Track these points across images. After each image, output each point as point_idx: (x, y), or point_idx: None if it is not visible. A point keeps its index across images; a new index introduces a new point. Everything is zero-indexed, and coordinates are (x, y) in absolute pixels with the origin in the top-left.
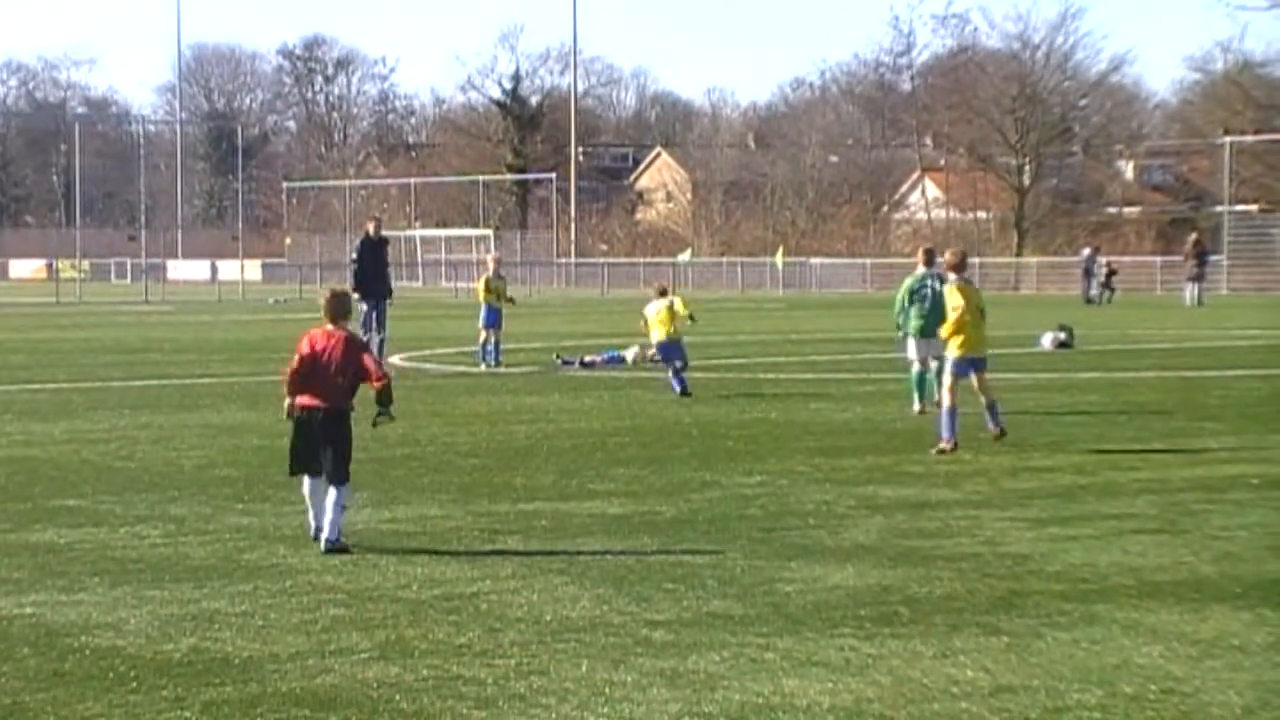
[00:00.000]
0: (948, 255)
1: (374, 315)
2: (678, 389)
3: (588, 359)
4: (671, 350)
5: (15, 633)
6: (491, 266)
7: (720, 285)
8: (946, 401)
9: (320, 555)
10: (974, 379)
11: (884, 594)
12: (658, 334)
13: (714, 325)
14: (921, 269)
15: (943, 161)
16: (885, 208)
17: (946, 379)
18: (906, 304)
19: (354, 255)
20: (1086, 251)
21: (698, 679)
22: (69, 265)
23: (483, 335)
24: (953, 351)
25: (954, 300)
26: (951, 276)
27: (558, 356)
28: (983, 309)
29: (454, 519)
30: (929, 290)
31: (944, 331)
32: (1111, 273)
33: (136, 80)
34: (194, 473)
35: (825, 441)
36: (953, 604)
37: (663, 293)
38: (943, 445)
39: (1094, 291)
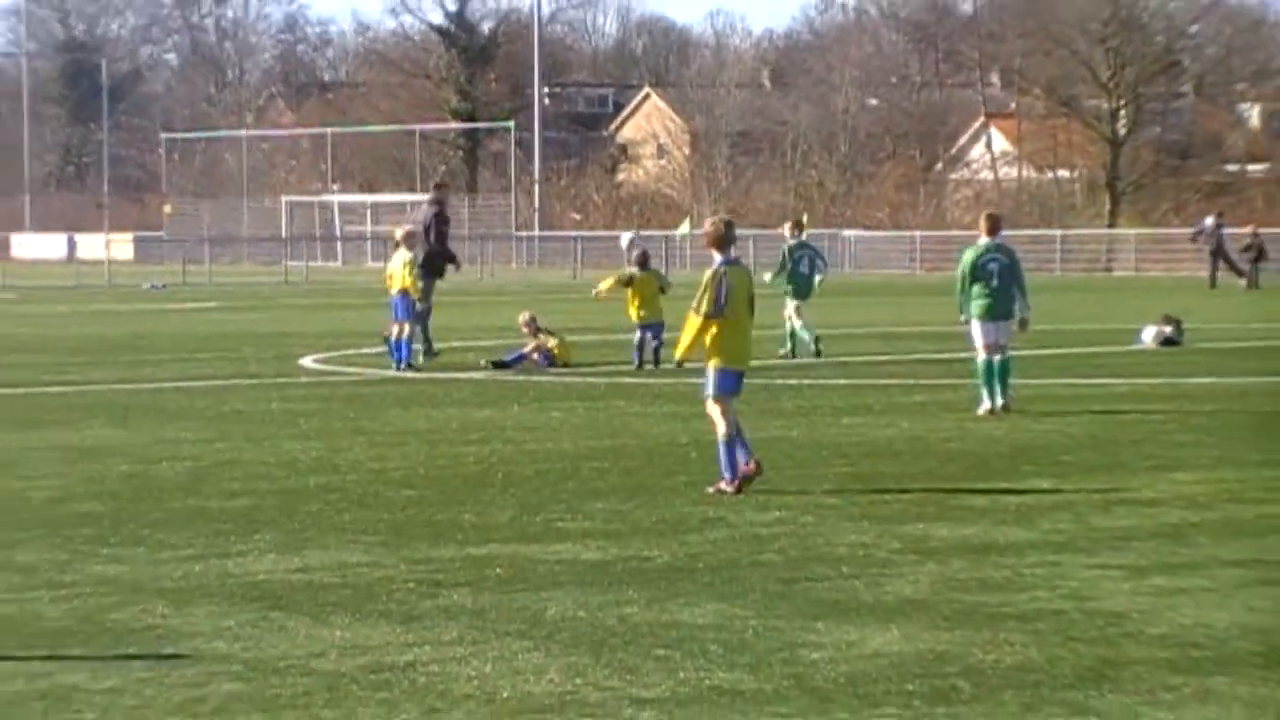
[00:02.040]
0: (707, 225)
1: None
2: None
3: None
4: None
5: None
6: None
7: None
8: (722, 429)
9: (211, 615)
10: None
11: (938, 664)
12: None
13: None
14: (985, 239)
15: (1014, 105)
16: (939, 165)
17: (712, 403)
18: (969, 282)
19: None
20: (1209, 222)
21: None
22: None
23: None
24: (714, 363)
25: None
26: (716, 258)
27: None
28: (752, 299)
29: (384, 567)
30: (996, 264)
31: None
32: (1261, 249)
33: None
34: (45, 508)
35: (862, 466)
36: (1027, 677)
37: (644, 264)
38: (722, 485)
39: (1240, 273)
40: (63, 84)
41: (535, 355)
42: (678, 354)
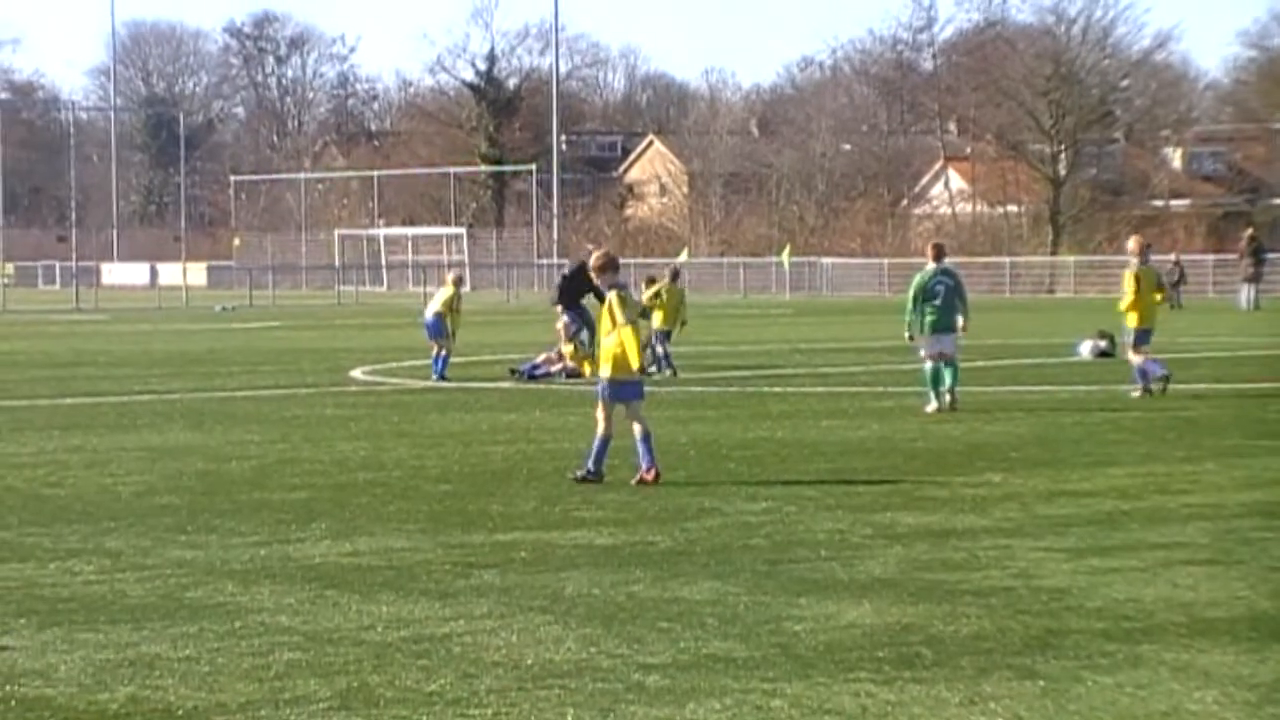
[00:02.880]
0: (595, 259)
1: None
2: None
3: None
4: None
5: None
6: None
7: (720, 288)
8: (601, 429)
9: (274, 593)
10: (624, 406)
11: (904, 633)
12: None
13: (713, 333)
14: (932, 265)
15: (969, 150)
16: (904, 201)
17: (601, 406)
18: (921, 303)
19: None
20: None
21: None
22: None
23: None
24: (605, 371)
25: (618, 312)
26: (616, 283)
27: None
28: (637, 317)
29: (423, 551)
30: (942, 287)
31: (603, 354)
32: (1181, 273)
33: (66, 62)
34: (131, 501)
35: (838, 463)
36: (981, 644)
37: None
38: (582, 472)
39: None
40: (146, 134)
41: (555, 368)
42: (635, 364)
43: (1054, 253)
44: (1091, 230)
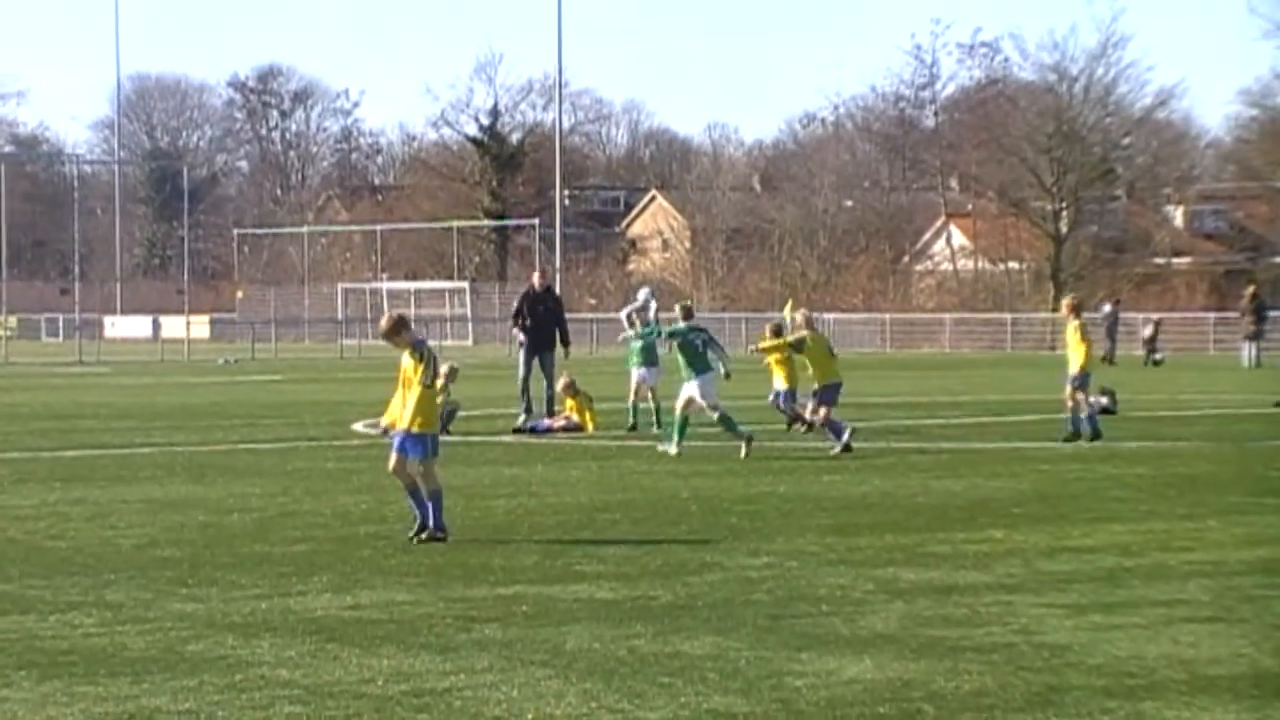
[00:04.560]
0: (384, 322)
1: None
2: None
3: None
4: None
5: None
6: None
7: (723, 343)
8: (402, 483)
9: (275, 646)
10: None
11: (905, 689)
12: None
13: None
14: (683, 323)
15: (970, 206)
16: (906, 258)
17: (433, 464)
18: (686, 351)
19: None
20: (1107, 308)
21: None
22: None
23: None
24: (434, 429)
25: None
26: (413, 340)
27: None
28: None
29: (424, 605)
30: (699, 339)
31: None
32: (1156, 332)
33: (69, 115)
34: (132, 553)
35: (840, 518)
36: (983, 701)
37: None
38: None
39: (1116, 351)
40: (149, 187)
41: (558, 424)
42: (415, 426)
43: (1055, 309)
44: (1093, 287)
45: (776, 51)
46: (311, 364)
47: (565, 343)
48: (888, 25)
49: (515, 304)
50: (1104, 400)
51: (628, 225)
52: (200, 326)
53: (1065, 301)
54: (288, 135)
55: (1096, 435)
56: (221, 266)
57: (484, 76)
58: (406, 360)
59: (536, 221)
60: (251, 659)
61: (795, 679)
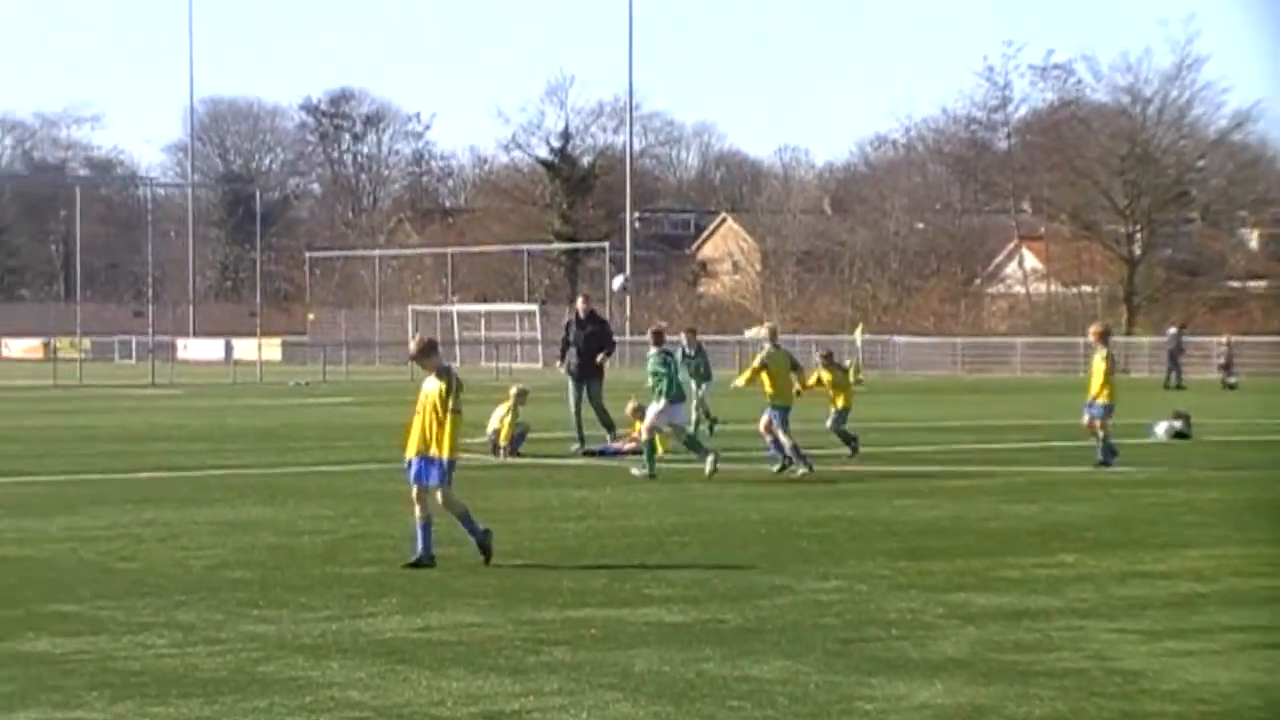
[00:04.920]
0: (414, 344)
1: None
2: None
3: (612, 447)
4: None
5: None
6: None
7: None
8: (419, 513)
9: (345, 668)
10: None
11: (977, 714)
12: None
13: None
14: (654, 350)
15: (1043, 229)
16: (978, 280)
17: (449, 489)
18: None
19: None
20: (1172, 331)
21: None
22: (68, 344)
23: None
24: (453, 453)
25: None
26: (440, 364)
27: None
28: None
29: (494, 626)
30: (672, 364)
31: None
32: (1230, 356)
33: (144, 139)
34: (204, 574)
35: (910, 542)
36: None
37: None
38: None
39: (1182, 376)
40: (222, 210)
41: (627, 447)
42: (447, 453)
43: (1129, 333)
44: (1167, 311)
45: (848, 74)
46: (382, 386)
47: (607, 354)
48: (960, 47)
49: (563, 333)
50: (1178, 424)
51: (698, 248)
52: (272, 349)
53: (1093, 329)
54: (359, 158)
55: (1105, 463)
56: (293, 289)
57: (555, 99)
58: (431, 385)
59: (607, 244)
60: (322, 680)
61: (865, 703)
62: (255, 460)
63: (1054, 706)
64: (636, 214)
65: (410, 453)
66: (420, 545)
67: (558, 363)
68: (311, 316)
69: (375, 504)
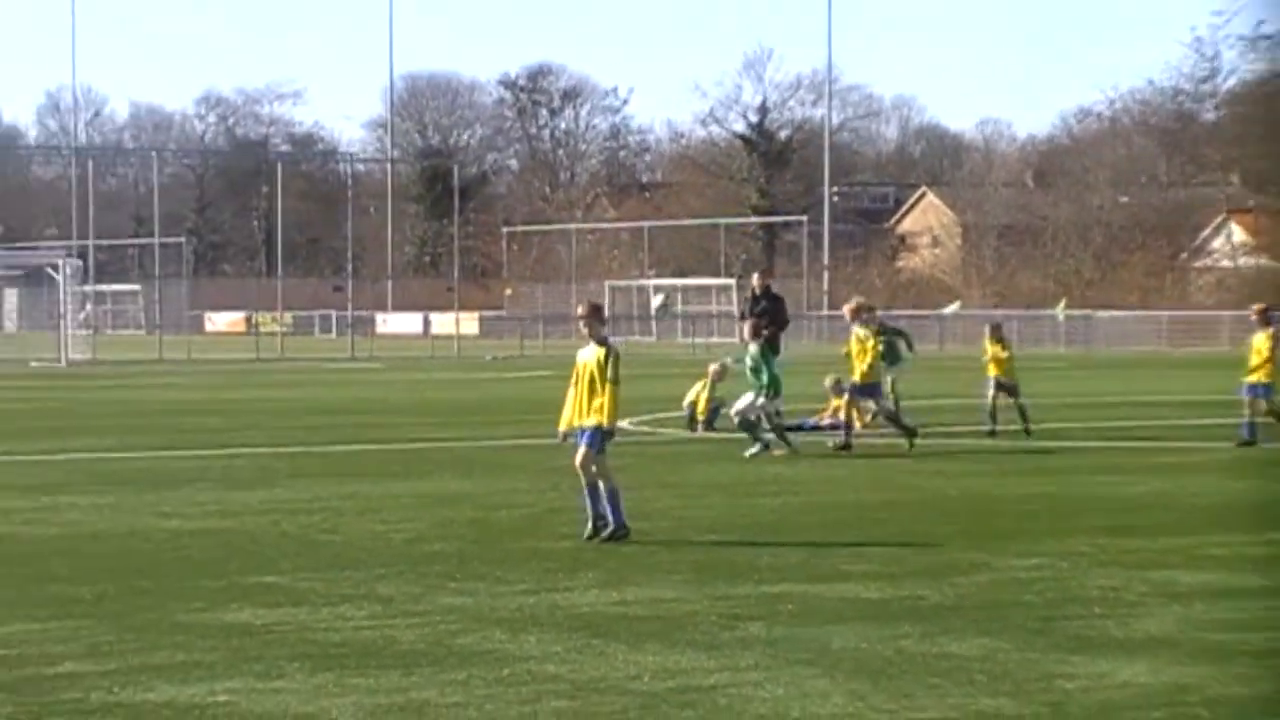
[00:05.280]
0: (582, 309)
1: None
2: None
3: (811, 422)
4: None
5: None
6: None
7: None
8: (584, 480)
9: (542, 641)
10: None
11: (1180, 694)
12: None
13: (982, 387)
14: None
15: (1251, 202)
16: (1184, 254)
17: (597, 456)
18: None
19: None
20: None
21: None
22: (270, 318)
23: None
24: (602, 421)
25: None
26: (603, 334)
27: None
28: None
29: (690, 602)
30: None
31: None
32: None
33: (344, 115)
34: (403, 548)
35: (1113, 519)
36: (1263, 707)
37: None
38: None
39: None
40: (421, 186)
41: (825, 422)
42: (607, 421)
43: None
44: None
45: (1050, 45)
46: None
47: (779, 327)
48: (1166, 18)
49: (741, 308)
50: None
51: (896, 222)
52: (470, 323)
53: (1256, 307)
54: (557, 133)
55: (1250, 442)
56: (491, 264)
57: (753, 73)
58: (589, 353)
59: (804, 218)
60: (519, 654)
61: (1066, 682)
62: (453, 434)
63: (1259, 688)
64: (835, 188)
65: (563, 424)
66: (592, 513)
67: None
68: (509, 291)
69: (572, 478)
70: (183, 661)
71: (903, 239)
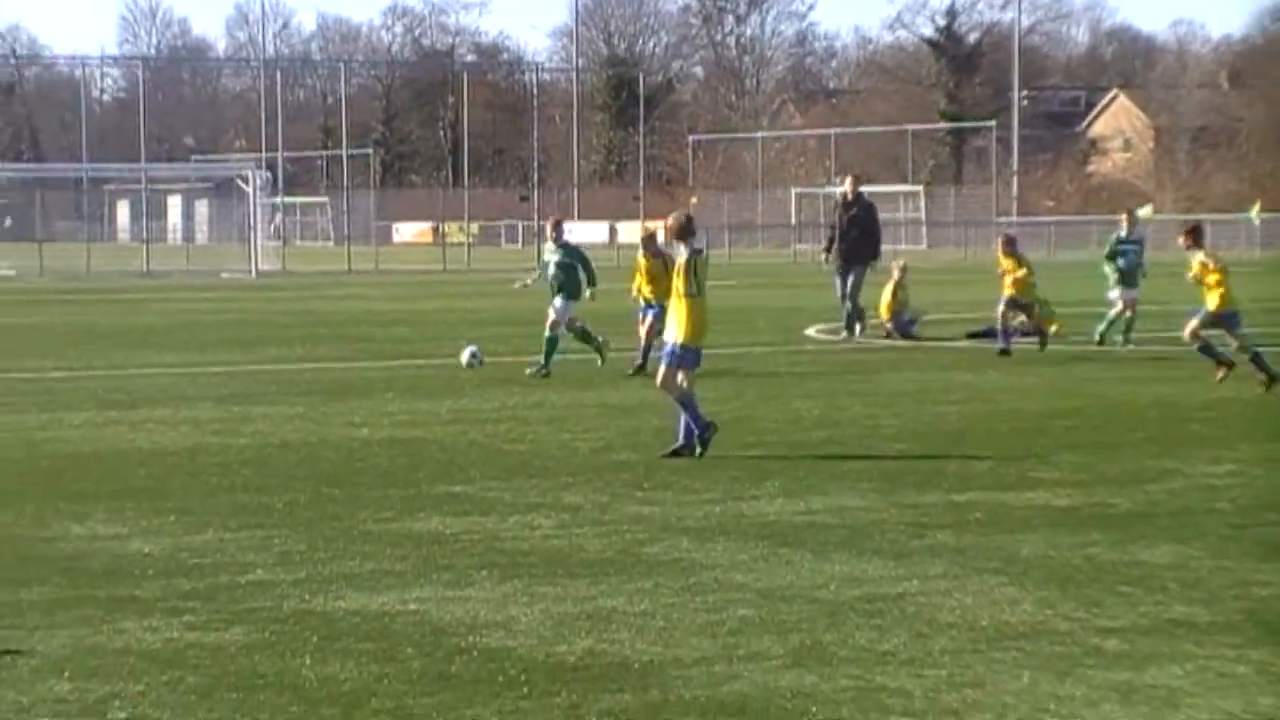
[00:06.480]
0: (669, 220)
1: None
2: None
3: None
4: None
5: (399, 630)
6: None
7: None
8: (678, 394)
9: (728, 550)
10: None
11: None
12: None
13: (1175, 291)
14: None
15: None
16: None
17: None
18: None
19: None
20: None
21: (1157, 695)
22: (456, 229)
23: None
24: (682, 338)
25: (690, 281)
26: (681, 248)
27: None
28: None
29: (876, 510)
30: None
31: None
32: None
33: (529, 24)
34: (590, 457)
35: None
36: None
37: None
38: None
39: None
40: (606, 95)
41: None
42: (682, 337)
43: None
44: None
45: None
46: (765, 269)
47: (874, 255)
48: None
49: (831, 216)
50: None
51: (1087, 126)
52: None
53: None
54: (742, 40)
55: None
56: (676, 173)
57: None
58: (680, 253)
59: (993, 123)
60: (706, 562)
61: (1261, 589)
62: (636, 344)
63: None
64: (1024, 92)
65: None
66: (682, 431)
67: (823, 255)
68: (694, 200)
69: (757, 387)
70: (373, 570)
71: (1093, 143)
